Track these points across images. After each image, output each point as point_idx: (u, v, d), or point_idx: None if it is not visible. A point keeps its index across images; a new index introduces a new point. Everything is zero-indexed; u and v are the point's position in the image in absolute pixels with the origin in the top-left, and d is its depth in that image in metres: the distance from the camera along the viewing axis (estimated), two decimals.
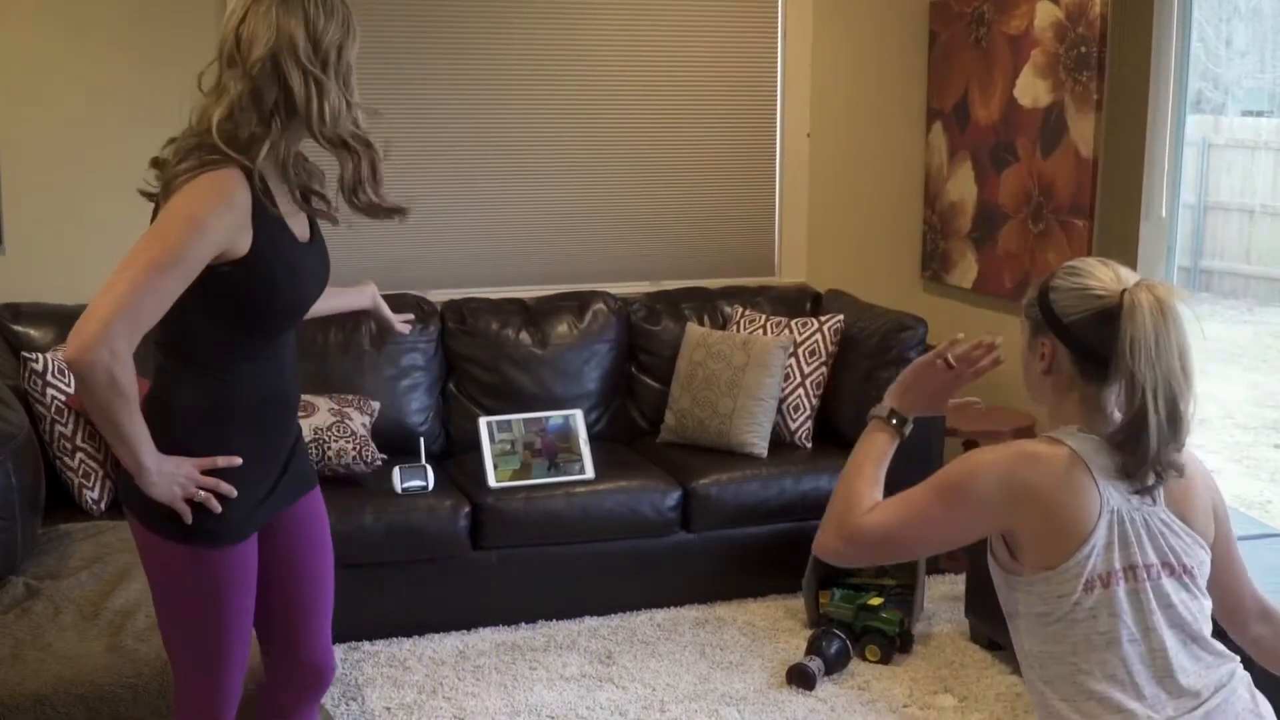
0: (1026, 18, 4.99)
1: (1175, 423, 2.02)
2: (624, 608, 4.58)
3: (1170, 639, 2.06)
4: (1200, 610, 2.10)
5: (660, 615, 4.55)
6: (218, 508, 2.37)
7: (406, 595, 4.33)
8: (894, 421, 2.27)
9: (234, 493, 2.38)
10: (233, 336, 2.40)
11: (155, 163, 2.39)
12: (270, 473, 2.51)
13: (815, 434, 4.92)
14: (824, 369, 4.94)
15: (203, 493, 2.35)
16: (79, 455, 4.08)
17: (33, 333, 4.43)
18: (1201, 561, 2.11)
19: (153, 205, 2.38)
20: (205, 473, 2.37)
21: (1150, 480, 2.04)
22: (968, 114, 5.40)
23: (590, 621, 4.50)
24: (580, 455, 4.59)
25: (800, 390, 4.90)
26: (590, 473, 4.55)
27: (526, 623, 4.47)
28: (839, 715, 3.85)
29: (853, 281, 5.47)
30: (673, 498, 4.57)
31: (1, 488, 3.35)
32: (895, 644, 4.21)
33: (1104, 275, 2.09)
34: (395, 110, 5.05)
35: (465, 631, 4.40)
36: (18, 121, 4.69)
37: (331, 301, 2.89)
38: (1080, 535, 2.02)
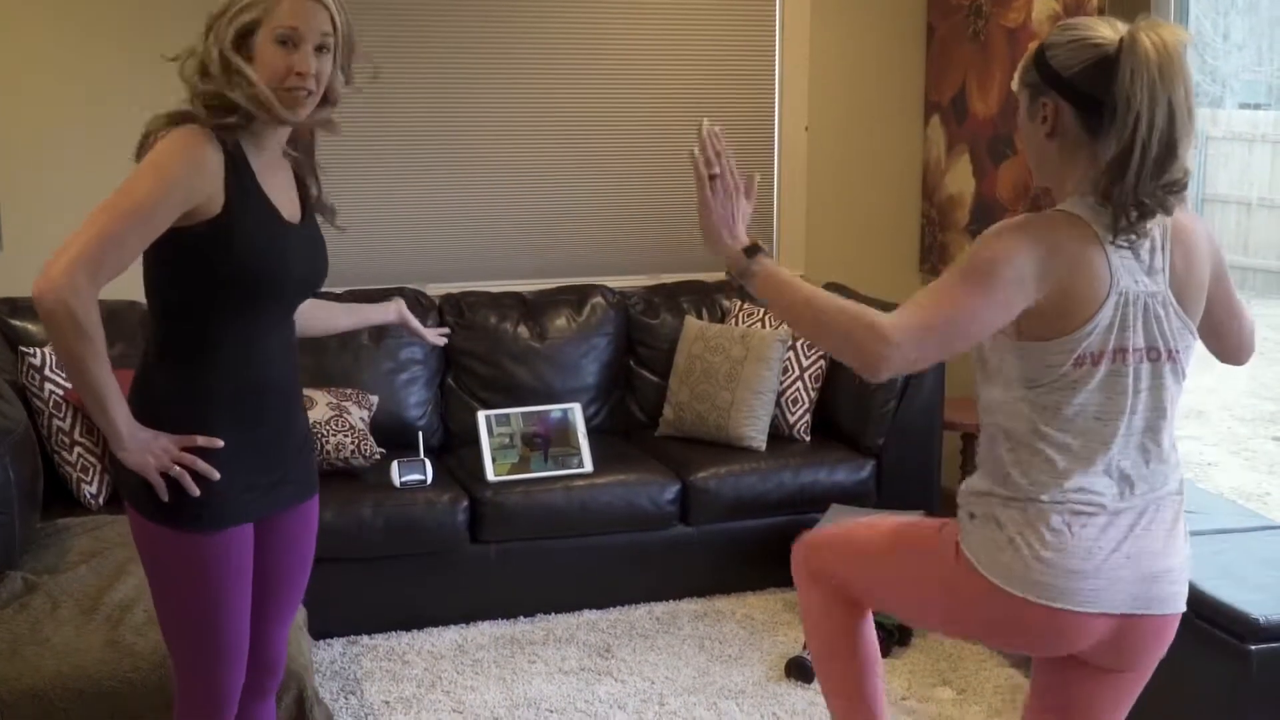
0: (1024, 10, 4.98)
1: (1167, 159, 1.98)
2: (623, 601, 4.58)
3: (1132, 423, 2.10)
4: (1171, 398, 2.14)
5: (659, 608, 4.56)
6: (193, 488, 2.35)
7: (405, 589, 4.34)
8: (760, 253, 2.25)
9: (214, 474, 2.37)
10: (215, 315, 2.39)
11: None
12: (264, 464, 2.49)
13: (813, 427, 4.92)
14: (822, 362, 4.93)
15: (177, 468, 2.34)
16: (77, 450, 4.08)
17: (31, 328, 4.43)
18: (1188, 346, 2.14)
19: None
20: (186, 451, 2.36)
21: (1131, 216, 2.00)
22: (966, 107, 5.40)
23: (589, 615, 4.50)
24: (579, 449, 4.59)
25: (799, 384, 4.90)
26: (589, 466, 4.56)
27: (525, 616, 4.48)
28: None
29: (851, 274, 5.46)
30: (671, 491, 4.57)
31: (0, 483, 3.35)
32: (894, 637, 4.21)
33: (1101, 26, 2.06)
34: (393, 105, 5.05)
35: (464, 625, 4.40)
36: (16, 117, 4.68)
37: (353, 317, 2.97)
38: (1087, 313, 2.03)
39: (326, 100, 2.46)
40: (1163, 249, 2.09)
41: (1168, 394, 2.13)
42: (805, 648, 4.09)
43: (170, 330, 2.42)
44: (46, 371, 4.07)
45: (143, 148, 2.36)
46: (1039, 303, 2.05)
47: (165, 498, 2.35)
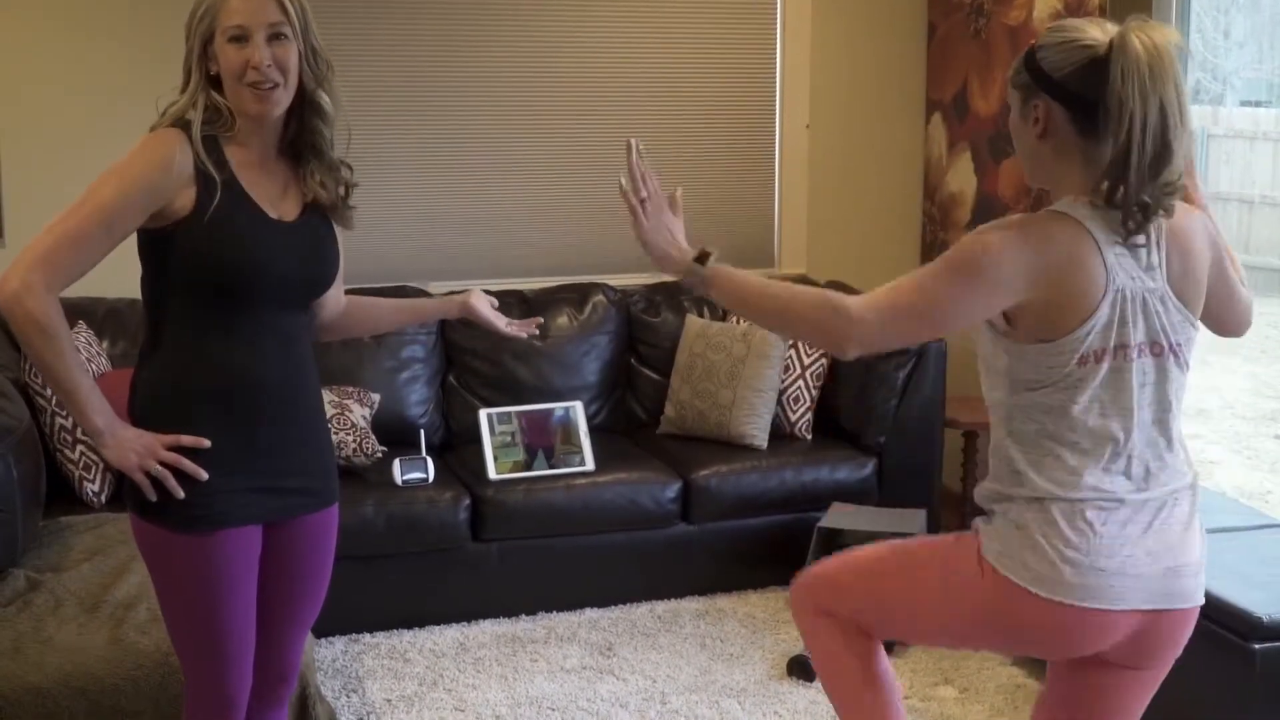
0: (1026, 9, 4.98)
1: (1162, 158, 1.99)
2: (624, 599, 4.58)
3: (1143, 415, 2.10)
4: (1177, 391, 2.15)
5: (660, 607, 4.56)
6: (177, 489, 2.34)
7: (407, 587, 4.34)
8: (711, 260, 2.24)
9: (202, 475, 2.35)
10: (192, 309, 2.40)
11: None
12: (268, 467, 2.46)
13: (815, 425, 4.92)
14: (824, 360, 4.93)
15: (159, 467, 2.33)
16: (79, 448, 4.08)
17: None
18: (1189, 338, 2.15)
19: None
20: (172, 452, 2.35)
21: (1137, 217, 2.02)
22: (967, 105, 5.40)
23: (590, 613, 4.50)
24: (580, 447, 4.59)
25: (800, 382, 4.90)
26: (590, 465, 4.56)
27: (527, 614, 4.48)
28: None
29: (852, 272, 5.45)
30: (673, 489, 4.57)
31: (2, 480, 3.36)
32: None
33: (1091, 27, 2.07)
34: (393, 102, 5.05)
35: (465, 623, 4.40)
36: (19, 117, 4.68)
37: (401, 315, 2.91)
38: (1084, 313, 2.03)
39: (305, 87, 2.44)
40: (1158, 246, 2.10)
41: (1172, 386, 2.14)
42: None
43: (156, 327, 2.43)
44: None
45: None
46: (1030, 303, 2.06)
47: (152, 497, 2.35)
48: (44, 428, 4.04)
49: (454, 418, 4.93)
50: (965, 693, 3.94)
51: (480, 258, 5.26)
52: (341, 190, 2.55)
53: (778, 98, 5.55)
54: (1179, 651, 2.24)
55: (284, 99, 2.41)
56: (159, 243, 2.36)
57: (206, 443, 2.37)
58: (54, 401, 4.06)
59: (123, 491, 2.47)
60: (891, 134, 5.71)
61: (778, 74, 5.54)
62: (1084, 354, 2.05)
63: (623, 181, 2.28)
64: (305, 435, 2.55)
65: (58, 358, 2.29)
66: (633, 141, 2.27)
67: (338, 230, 2.60)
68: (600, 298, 5.15)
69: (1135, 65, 1.97)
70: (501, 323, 2.85)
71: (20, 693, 2.89)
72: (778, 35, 5.51)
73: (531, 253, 5.34)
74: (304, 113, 2.47)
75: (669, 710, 3.84)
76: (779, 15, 5.50)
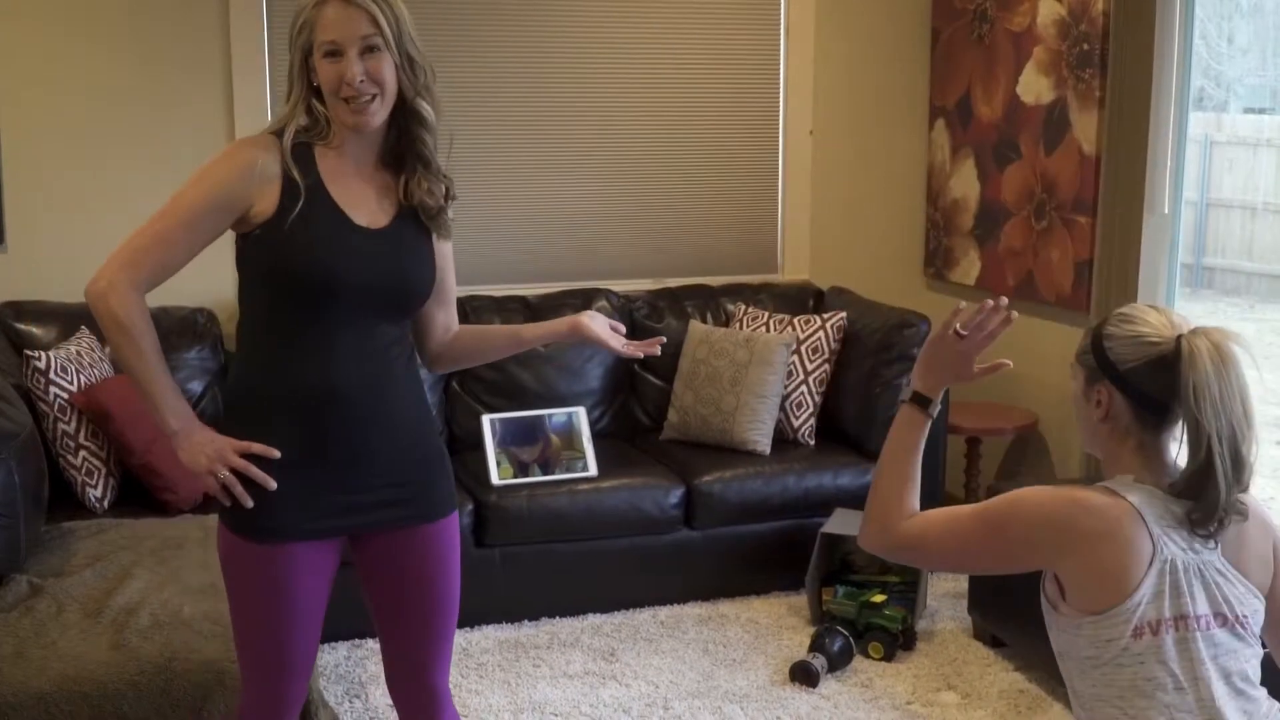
0: (1029, 15, 4.98)
1: (1239, 467, 2.04)
2: (627, 605, 4.58)
3: (1218, 688, 2.05)
4: (1250, 659, 2.10)
5: (663, 612, 4.55)
6: (245, 497, 2.36)
7: None
8: (919, 403, 2.26)
9: (270, 483, 2.36)
10: (271, 314, 2.42)
11: None
12: (337, 480, 2.43)
13: (818, 431, 4.92)
14: (827, 366, 4.94)
15: (226, 473, 2.35)
16: (82, 453, 4.08)
17: (35, 330, 4.44)
18: (1255, 610, 2.10)
19: None
20: (244, 459, 2.37)
21: (1214, 527, 2.04)
22: (970, 111, 5.40)
23: (593, 619, 4.50)
24: (583, 453, 4.59)
25: (803, 388, 4.90)
26: (593, 470, 4.56)
27: (530, 620, 4.47)
28: (842, 712, 3.85)
29: (855, 279, 5.46)
30: (676, 495, 4.57)
31: (4, 486, 3.35)
32: (898, 641, 4.21)
33: (1157, 321, 2.10)
34: None
35: (468, 629, 4.40)
36: (20, 119, 4.68)
37: (508, 338, 2.79)
38: (1129, 584, 2.02)
39: (404, 96, 2.44)
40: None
41: (1247, 655, 2.10)
42: (809, 651, 4.09)
43: (243, 332, 2.48)
44: (51, 375, 4.07)
45: None
46: (1067, 572, 2.07)
47: (225, 501, 2.39)
48: (46, 433, 4.04)
49: (457, 423, 4.93)
50: (968, 698, 3.94)
51: (483, 262, 5.26)
52: (444, 199, 2.56)
53: (781, 103, 5.56)
54: None
55: (381, 111, 2.41)
56: (246, 247, 2.41)
57: (276, 453, 2.37)
58: (56, 406, 4.06)
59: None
60: (895, 140, 5.71)
61: (781, 80, 5.54)
62: (1139, 625, 2.02)
63: (963, 304, 2.29)
64: (391, 448, 2.48)
65: (138, 356, 2.35)
66: (1004, 302, 2.26)
67: (440, 248, 2.60)
68: (603, 303, 5.14)
69: (1205, 381, 2.01)
70: (618, 343, 2.65)
71: (22, 698, 2.89)
72: (781, 41, 5.51)
73: (534, 258, 5.34)
74: (405, 121, 2.47)
75: (671, 715, 3.83)
76: (782, 21, 5.50)
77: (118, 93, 4.74)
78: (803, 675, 4.02)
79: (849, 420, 4.90)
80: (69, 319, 4.44)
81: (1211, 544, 2.06)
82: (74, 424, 4.09)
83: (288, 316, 2.40)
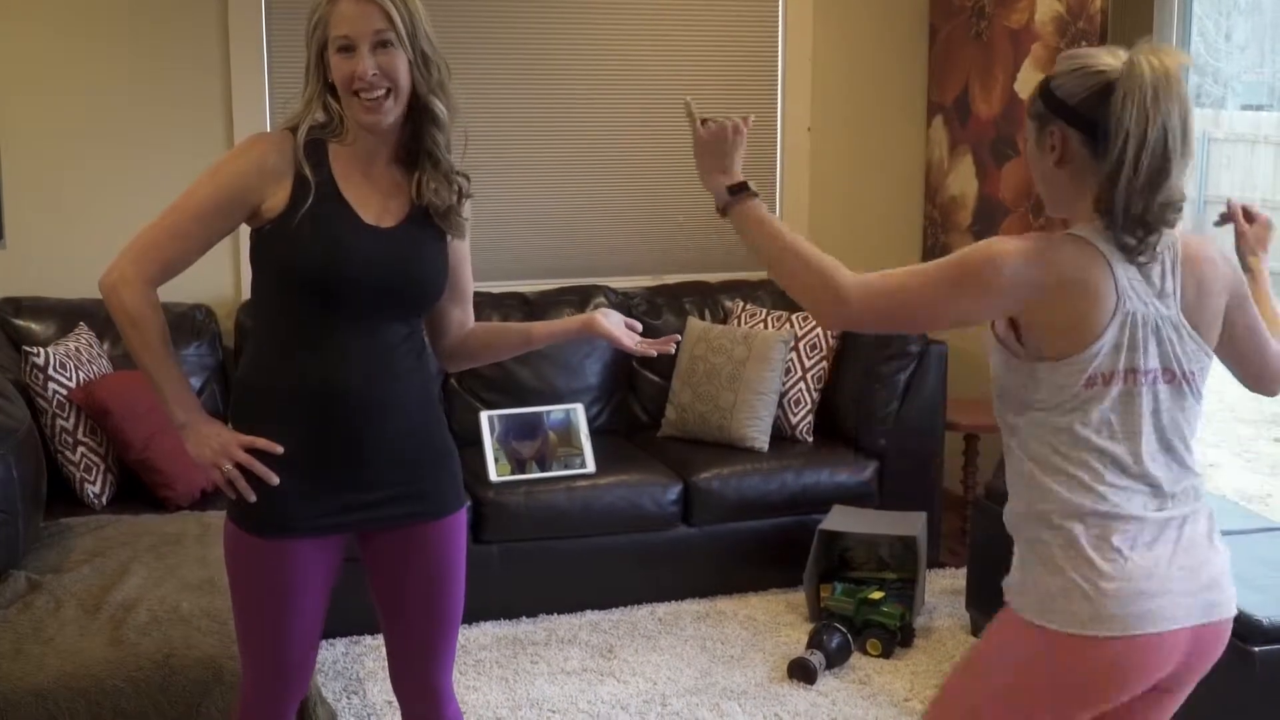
0: (1027, 12, 4.99)
1: (1159, 177, 2.00)
2: (625, 602, 4.58)
3: (1149, 442, 2.09)
4: (1189, 418, 2.14)
5: (661, 609, 4.56)
6: (248, 492, 2.37)
7: None
8: (739, 194, 2.25)
9: (272, 478, 2.36)
10: (285, 311, 2.42)
11: None
12: (343, 477, 2.43)
13: (816, 428, 4.92)
14: (825, 363, 4.94)
15: (230, 467, 2.36)
16: (80, 449, 4.08)
17: (34, 327, 4.43)
18: (1203, 367, 2.14)
19: None
20: (248, 453, 2.38)
21: (1137, 234, 2.02)
22: (968, 108, 5.40)
23: (591, 615, 4.50)
24: (581, 450, 4.59)
25: (801, 384, 4.91)
26: (591, 467, 4.56)
27: (527, 617, 4.48)
28: (840, 709, 3.86)
29: None
30: (674, 492, 4.57)
31: (3, 482, 3.35)
32: (896, 638, 4.21)
33: (1104, 55, 2.08)
34: None
35: (466, 625, 4.39)
36: (19, 116, 4.69)
37: (519, 336, 2.77)
38: (1092, 333, 2.03)
39: (417, 93, 2.44)
40: (1173, 273, 2.09)
41: (1185, 414, 2.13)
42: (807, 648, 4.09)
43: (254, 326, 2.50)
44: (50, 371, 4.07)
45: None
46: (1034, 320, 2.06)
47: (232, 495, 2.40)
48: (45, 429, 4.04)
49: (455, 420, 4.92)
50: None
51: (481, 259, 5.18)
52: (454, 198, 2.53)
53: (779, 100, 5.56)
54: (1211, 666, 2.22)
55: (394, 108, 2.40)
56: (259, 242, 2.41)
57: (279, 448, 2.37)
58: (54, 403, 4.06)
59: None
60: (893, 137, 5.71)
61: (779, 77, 5.54)
62: (1092, 375, 2.04)
63: (689, 100, 2.32)
64: (398, 445, 2.47)
65: (145, 348, 2.37)
66: (689, 99, 2.32)
67: (455, 246, 2.58)
68: (601, 300, 5.14)
69: (1139, 87, 1.98)
70: (630, 340, 2.66)
71: (20, 694, 2.89)
72: (779, 38, 5.52)
73: (533, 254, 5.34)
74: (419, 119, 2.47)
75: (669, 712, 3.84)
76: (780, 18, 5.50)
77: (117, 90, 4.74)
78: (801, 672, 4.02)
79: (847, 417, 4.90)
80: (67, 315, 4.44)
81: (1170, 299, 2.07)
82: (72, 420, 4.09)
83: (296, 312, 2.40)
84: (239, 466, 2.37)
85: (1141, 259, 2.05)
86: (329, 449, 2.41)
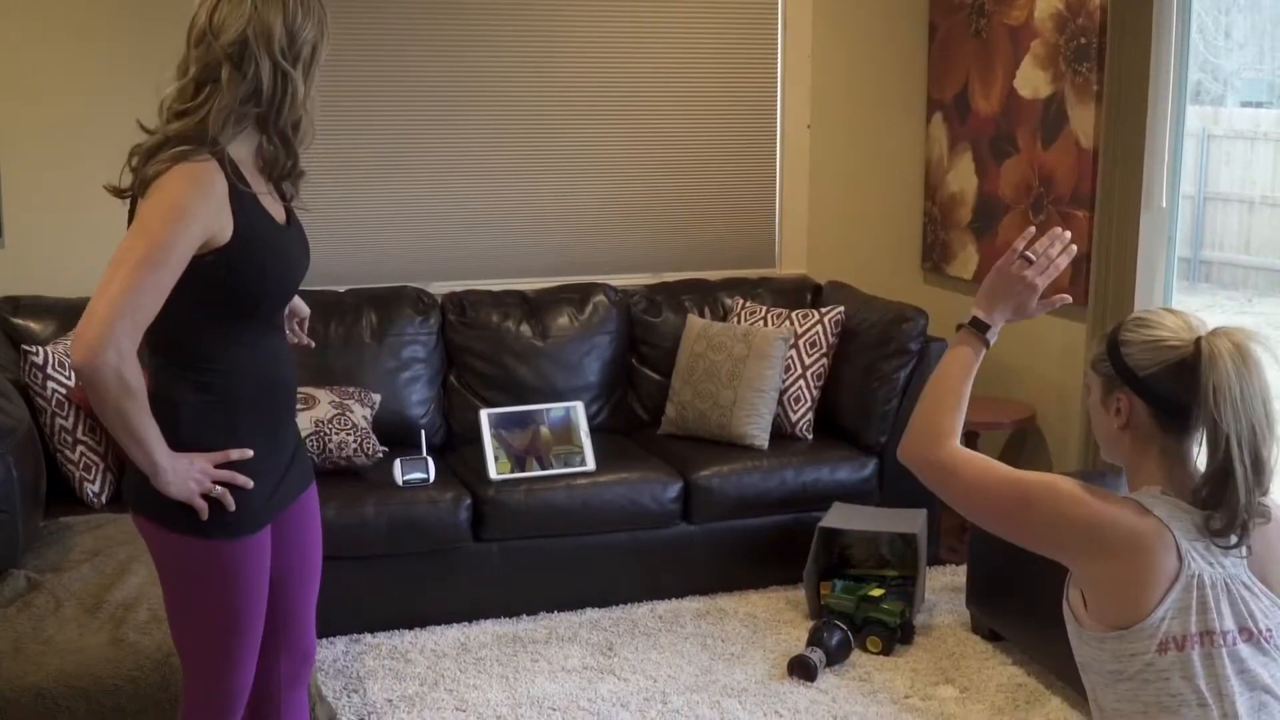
0: (1026, 9, 4.98)
1: (1259, 470, 2.01)
2: (625, 599, 4.58)
3: (1242, 703, 2.04)
4: (1275, 672, 2.09)
5: (661, 607, 4.55)
6: (232, 504, 2.38)
7: (408, 587, 4.34)
8: (977, 329, 2.26)
9: (250, 484, 2.40)
10: (225, 326, 2.40)
11: (129, 160, 2.41)
12: (279, 463, 2.53)
13: (816, 425, 4.92)
14: (825, 360, 4.93)
15: (218, 488, 2.36)
16: (80, 448, 4.08)
17: (33, 326, 4.43)
18: (1279, 623, 2.09)
19: (128, 204, 2.41)
20: (219, 466, 2.38)
21: (1237, 532, 2.02)
22: (968, 105, 5.40)
23: (591, 613, 4.50)
24: (581, 447, 4.59)
25: (801, 382, 4.90)
26: (591, 465, 4.55)
27: (528, 614, 4.48)
28: (840, 706, 3.86)
29: (853, 273, 5.46)
30: (674, 489, 4.57)
31: (2, 481, 3.35)
32: (896, 635, 4.21)
33: (1175, 324, 2.07)
34: (394, 103, 5.06)
35: (466, 623, 4.40)
36: (18, 116, 4.69)
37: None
38: (1150, 601, 2.00)
39: None
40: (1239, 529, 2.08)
41: (1270, 670, 2.09)
42: (808, 645, 4.09)
43: (185, 347, 2.40)
44: (49, 370, 4.07)
45: (145, 186, 2.31)
46: (1084, 576, 2.06)
47: (205, 518, 2.37)
48: (44, 428, 4.04)
49: (455, 418, 4.93)
50: (966, 692, 3.94)
51: (481, 258, 5.26)
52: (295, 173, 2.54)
53: (779, 98, 5.55)
54: None
55: None
56: (192, 271, 2.29)
57: (250, 452, 2.41)
58: (54, 402, 4.05)
59: (132, 504, 2.47)
60: (892, 134, 5.71)
61: (779, 74, 5.54)
62: (1164, 640, 2.01)
63: (1031, 229, 2.31)
64: (295, 427, 2.64)
65: (140, 413, 2.26)
66: (1066, 235, 2.30)
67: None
68: (601, 298, 5.14)
69: (1226, 382, 1.98)
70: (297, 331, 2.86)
71: (20, 693, 2.89)
72: (779, 35, 5.51)
73: (532, 253, 5.34)
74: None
75: (670, 710, 3.84)
76: (780, 15, 5.50)
77: (114, 89, 4.73)
78: (801, 669, 4.02)
79: (847, 414, 4.90)
80: (66, 314, 4.44)
81: (1236, 556, 2.04)
82: (71, 419, 4.08)
83: (235, 325, 2.41)
84: (219, 483, 2.38)
85: (1221, 541, 2.03)
86: (277, 442, 2.52)
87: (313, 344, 2.90)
